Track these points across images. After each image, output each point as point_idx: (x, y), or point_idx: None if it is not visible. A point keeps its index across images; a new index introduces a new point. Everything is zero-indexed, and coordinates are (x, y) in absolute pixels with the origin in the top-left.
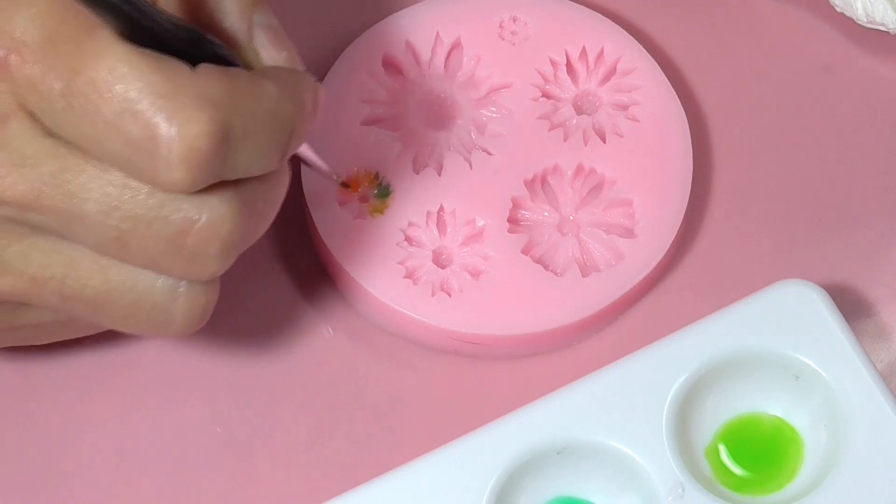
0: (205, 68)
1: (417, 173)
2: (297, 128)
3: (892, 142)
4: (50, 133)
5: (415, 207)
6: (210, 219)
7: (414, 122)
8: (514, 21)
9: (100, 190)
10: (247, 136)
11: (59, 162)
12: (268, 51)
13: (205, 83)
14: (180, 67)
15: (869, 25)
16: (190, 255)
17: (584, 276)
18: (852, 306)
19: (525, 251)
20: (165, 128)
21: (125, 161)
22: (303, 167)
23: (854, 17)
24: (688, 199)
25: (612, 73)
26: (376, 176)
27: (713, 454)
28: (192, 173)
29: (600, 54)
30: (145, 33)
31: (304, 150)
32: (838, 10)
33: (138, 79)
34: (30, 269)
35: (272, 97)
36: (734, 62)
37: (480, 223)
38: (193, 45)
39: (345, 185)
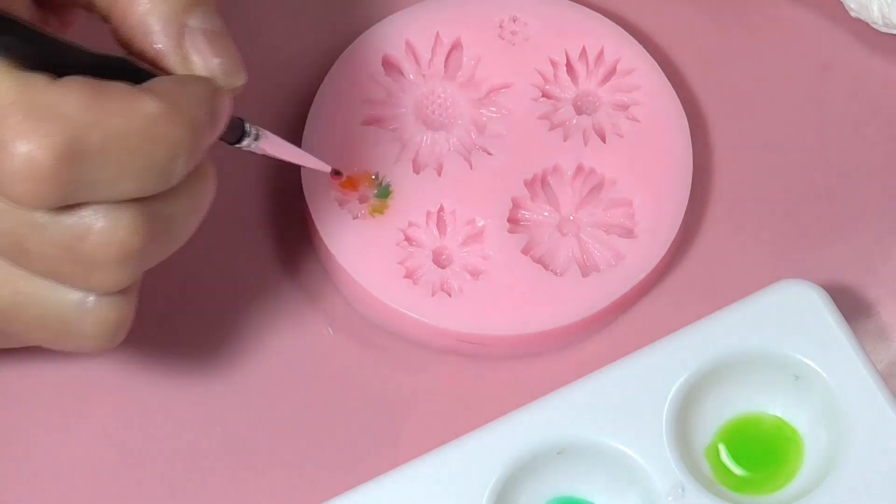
0: (68, 80)
1: (417, 173)
2: (186, 146)
3: (893, 141)
4: None
5: (415, 207)
6: (106, 225)
7: (414, 123)
8: (514, 21)
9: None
10: (106, 154)
11: None
12: (202, 56)
13: (60, 96)
14: (39, 80)
15: (885, 29)
16: (88, 263)
17: (584, 276)
18: (852, 306)
19: (525, 251)
20: (8, 140)
21: None
22: (302, 170)
23: (869, 21)
24: (688, 199)
25: (612, 73)
26: (376, 176)
27: (713, 454)
28: (35, 188)
29: (600, 54)
30: (46, 59)
31: (286, 151)
32: (853, 14)
33: None
34: None
35: (147, 115)
36: (734, 62)
37: (480, 223)
38: (99, 65)
39: (336, 172)
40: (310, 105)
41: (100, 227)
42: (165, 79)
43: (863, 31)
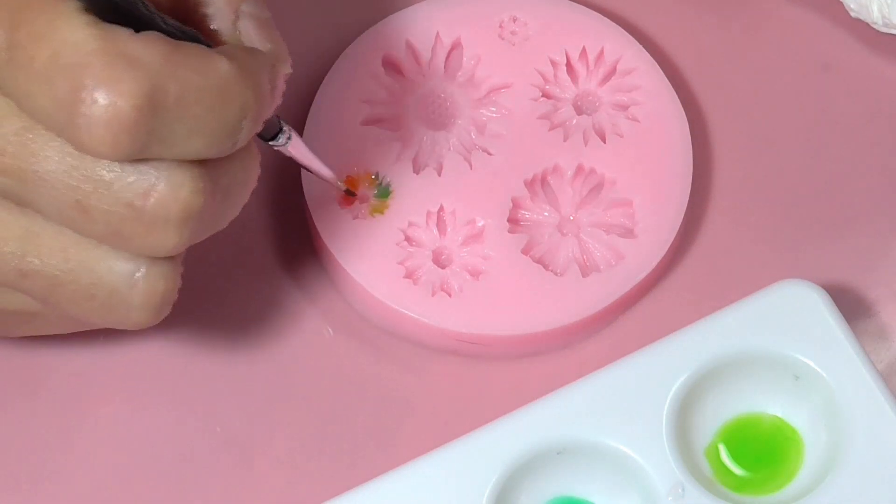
0: (147, 34)
1: (417, 173)
2: (253, 110)
3: (892, 141)
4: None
5: (415, 207)
6: (170, 184)
7: (414, 122)
8: (514, 21)
9: (61, 149)
10: (183, 108)
11: (21, 121)
12: (252, 42)
13: (141, 46)
14: (120, 30)
15: (885, 30)
16: (149, 222)
17: (584, 276)
18: (852, 306)
19: (525, 251)
20: (90, 86)
21: (53, 120)
22: (302, 170)
23: (870, 21)
24: (688, 198)
25: (612, 73)
26: (376, 176)
27: (713, 454)
28: (114, 137)
29: (600, 54)
30: (125, 15)
31: (308, 158)
32: (853, 14)
33: (73, 35)
34: None
35: (220, 73)
36: (734, 62)
37: (480, 223)
38: (171, 33)
39: (350, 192)
40: (310, 105)
41: (164, 184)
42: (234, 46)
43: (863, 31)
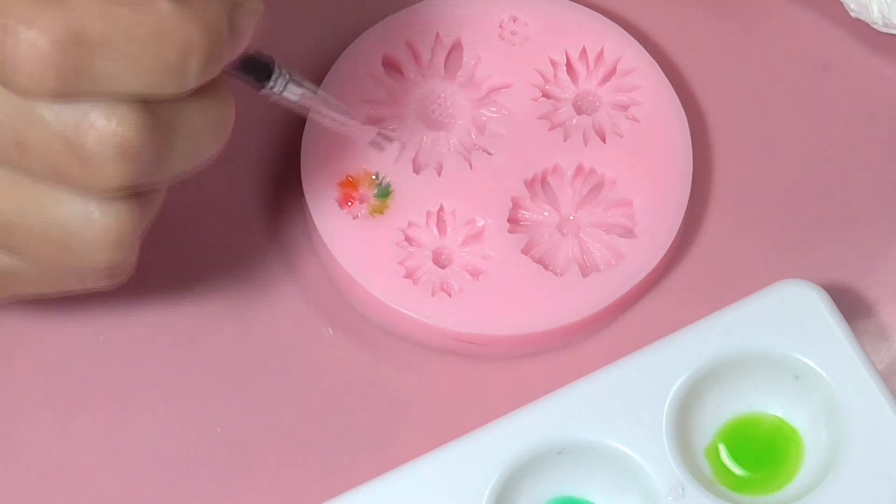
0: None
1: (417, 173)
2: (201, 50)
3: (892, 141)
4: None
5: (415, 207)
6: (107, 118)
7: (414, 122)
8: (514, 21)
9: None
10: (111, 45)
11: None
12: None
13: None
14: None
15: (885, 30)
16: (87, 159)
17: (584, 276)
18: (852, 306)
19: (525, 251)
20: (13, 25)
21: None
22: (303, 164)
23: (869, 21)
24: (688, 198)
25: (612, 73)
26: (376, 176)
27: (713, 454)
28: (37, 73)
29: (600, 54)
30: None
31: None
32: (853, 15)
33: None
34: None
35: (157, 10)
36: (734, 62)
37: (480, 223)
38: None
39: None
40: None
41: (100, 120)
42: None
43: (863, 31)
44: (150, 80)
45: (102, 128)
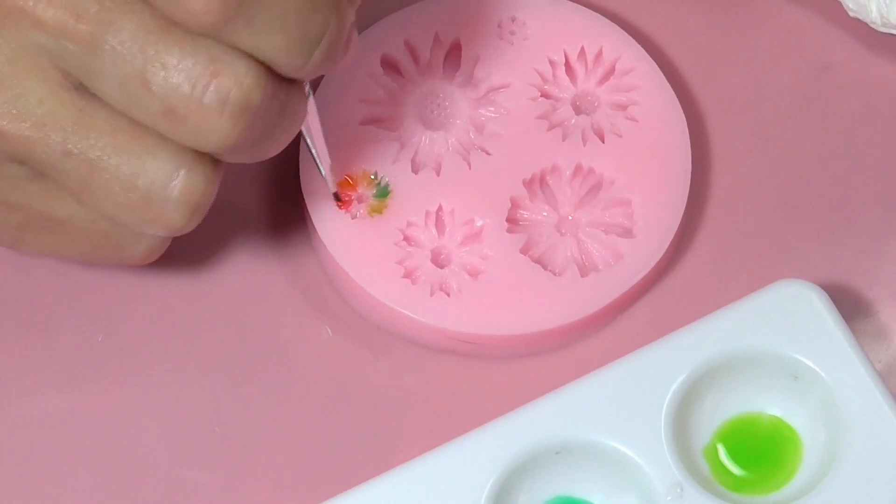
0: None
1: (416, 173)
2: (332, 32)
3: (891, 141)
4: None
5: (413, 207)
6: (236, 70)
7: (412, 122)
8: (513, 21)
9: (139, 21)
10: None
11: None
12: None
13: None
14: None
15: (883, 29)
16: (208, 104)
17: (582, 275)
18: (851, 306)
19: (524, 251)
20: None
21: None
22: (301, 164)
23: (868, 21)
24: (686, 198)
25: (610, 72)
26: (375, 176)
27: (712, 454)
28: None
29: (599, 54)
30: None
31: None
32: (852, 14)
33: None
34: (39, 111)
35: None
36: (732, 61)
37: (479, 223)
38: None
39: (337, 197)
40: None
41: (230, 69)
42: None
43: (861, 30)
44: (287, 45)
45: (229, 77)
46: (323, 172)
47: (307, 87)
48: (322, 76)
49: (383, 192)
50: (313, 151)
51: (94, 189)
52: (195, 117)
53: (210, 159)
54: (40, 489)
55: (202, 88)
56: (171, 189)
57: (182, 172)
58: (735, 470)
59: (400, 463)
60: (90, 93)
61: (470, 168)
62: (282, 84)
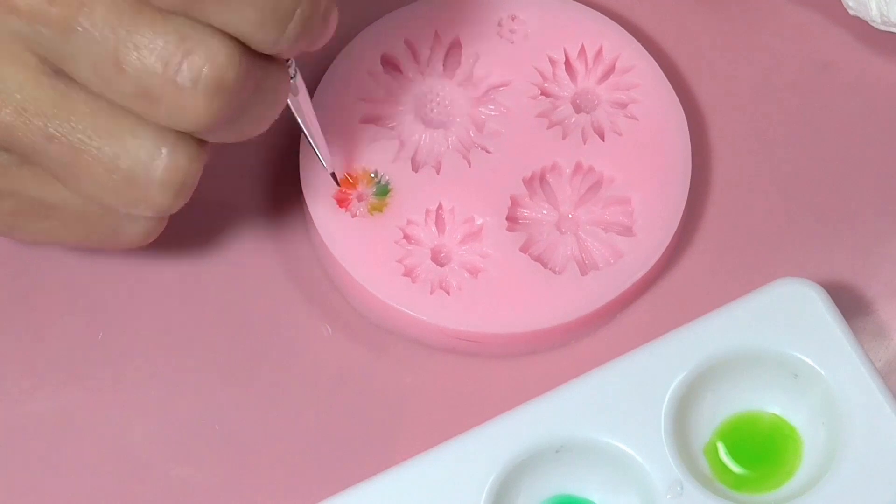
0: None
1: (416, 171)
2: (305, 5)
3: (891, 140)
4: None
5: (413, 206)
6: (208, 48)
7: (412, 121)
8: (513, 19)
9: (110, 3)
10: None
11: None
12: None
13: None
14: None
15: (883, 27)
16: (182, 83)
17: (582, 274)
18: (851, 304)
19: (524, 249)
20: None
21: None
22: (301, 163)
23: (868, 19)
24: (686, 196)
25: (610, 71)
26: (375, 174)
27: (712, 452)
28: None
29: (599, 52)
30: None
31: (316, 134)
32: (852, 13)
33: None
34: (19, 96)
35: None
36: (732, 59)
37: (479, 221)
38: None
39: (334, 177)
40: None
41: (203, 47)
42: None
43: (861, 29)
44: (258, 19)
45: (201, 55)
46: (317, 151)
47: (293, 67)
48: (323, 73)
49: (383, 191)
50: (305, 131)
51: (78, 172)
52: (169, 97)
53: (193, 138)
54: (38, 486)
55: (174, 68)
56: (154, 169)
57: (164, 152)
58: (735, 468)
59: (400, 461)
60: (68, 77)
61: (470, 166)
62: (258, 61)
